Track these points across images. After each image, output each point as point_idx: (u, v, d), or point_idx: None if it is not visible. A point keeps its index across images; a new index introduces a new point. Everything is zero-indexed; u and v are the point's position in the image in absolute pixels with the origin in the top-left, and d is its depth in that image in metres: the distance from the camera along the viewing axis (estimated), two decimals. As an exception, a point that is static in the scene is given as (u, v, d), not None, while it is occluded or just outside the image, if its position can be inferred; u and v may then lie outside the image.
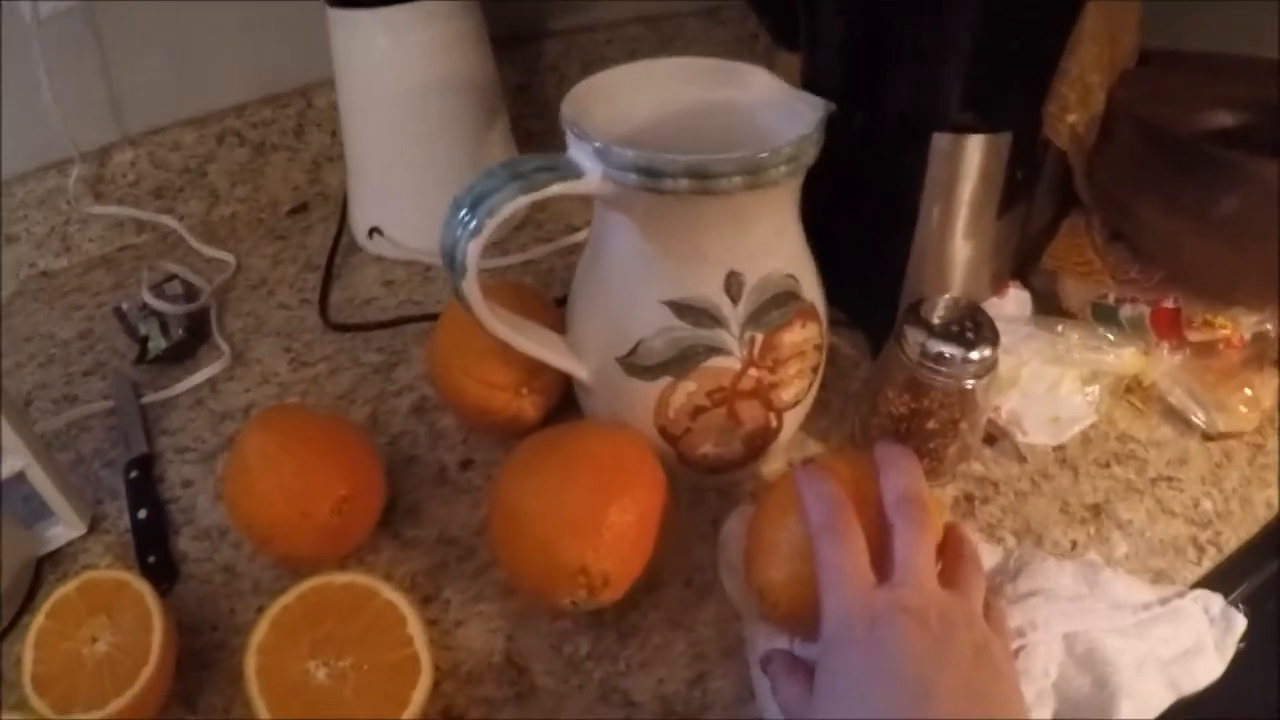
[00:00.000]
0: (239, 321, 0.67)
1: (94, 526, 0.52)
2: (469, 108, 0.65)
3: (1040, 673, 0.40)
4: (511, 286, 0.54)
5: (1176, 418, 0.53)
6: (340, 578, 0.44)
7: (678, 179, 0.38)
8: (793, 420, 0.48)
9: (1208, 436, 0.51)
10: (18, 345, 0.68)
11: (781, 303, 0.44)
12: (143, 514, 0.52)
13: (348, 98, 0.66)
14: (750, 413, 0.45)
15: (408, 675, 0.41)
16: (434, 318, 0.62)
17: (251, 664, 0.41)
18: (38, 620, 0.42)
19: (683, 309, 0.43)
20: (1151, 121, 0.49)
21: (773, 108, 0.45)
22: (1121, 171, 0.50)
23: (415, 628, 0.42)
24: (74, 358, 0.66)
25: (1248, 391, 0.49)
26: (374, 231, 0.68)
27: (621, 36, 0.84)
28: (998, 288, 0.54)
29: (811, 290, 0.46)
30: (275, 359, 0.63)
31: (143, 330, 0.65)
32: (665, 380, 0.44)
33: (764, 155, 0.38)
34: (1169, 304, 0.50)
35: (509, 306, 0.46)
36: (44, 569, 0.50)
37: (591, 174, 0.40)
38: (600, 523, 0.41)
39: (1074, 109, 0.49)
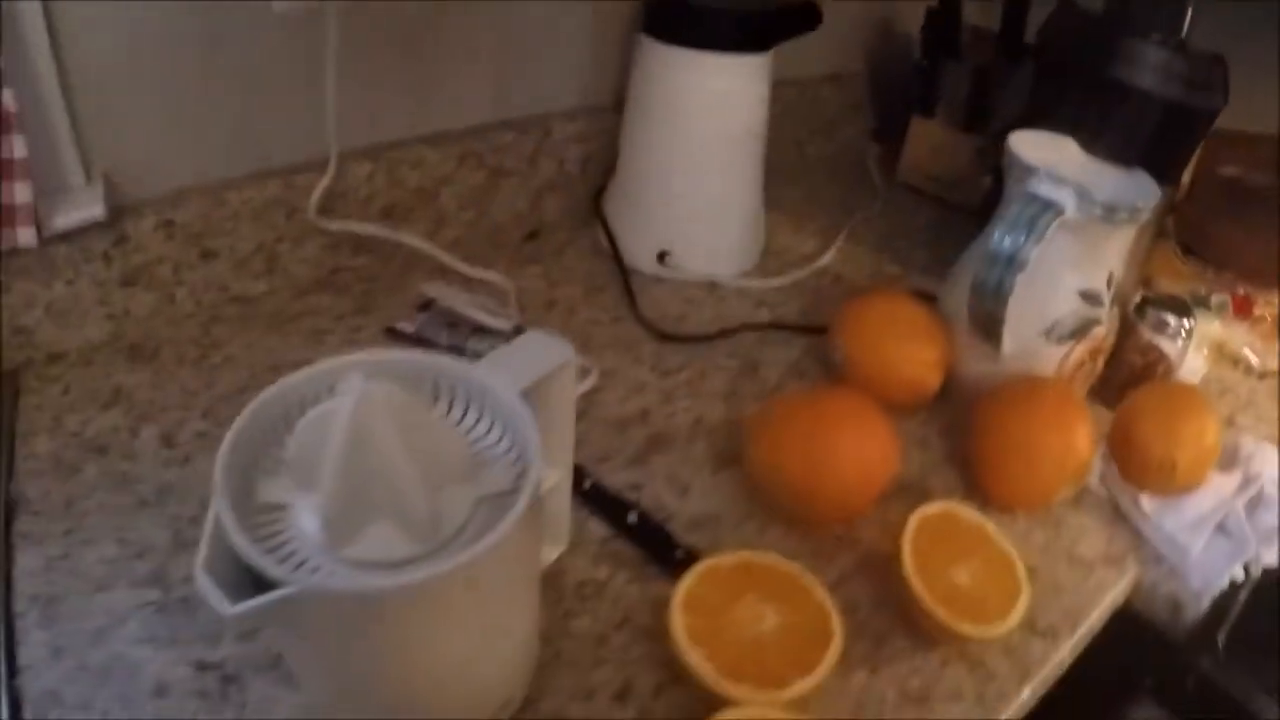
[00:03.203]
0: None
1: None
2: (757, 153, 0.93)
3: None
4: (897, 294, 0.85)
5: (1237, 364, 1.00)
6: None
7: (1120, 212, 0.74)
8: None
9: (1257, 374, 0.99)
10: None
11: (1121, 293, 0.82)
12: (633, 518, 0.68)
13: (652, 130, 0.90)
14: (1098, 360, 0.83)
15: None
16: (775, 326, 0.90)
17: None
18: (685, 584, 0.58)
19: (1088, 296, 0.78)
20: (1229, 177, 0.96)
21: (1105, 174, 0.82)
22: (1207, 208, 0.97)
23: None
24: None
25: None
26: (664, 255, 0.93)
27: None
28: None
29: (1115, 286, 0.84)
30: (633, 369, 0.84)
31: (471, 350, 0.83)
32: (1070, 344, 0.79)
33: (1155, 205, 0.76)
34: (1242, 293, 0.98)
35: (902, 310, 0.79)
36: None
37: (1071, 212, 0.74)
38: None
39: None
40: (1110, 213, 0.74)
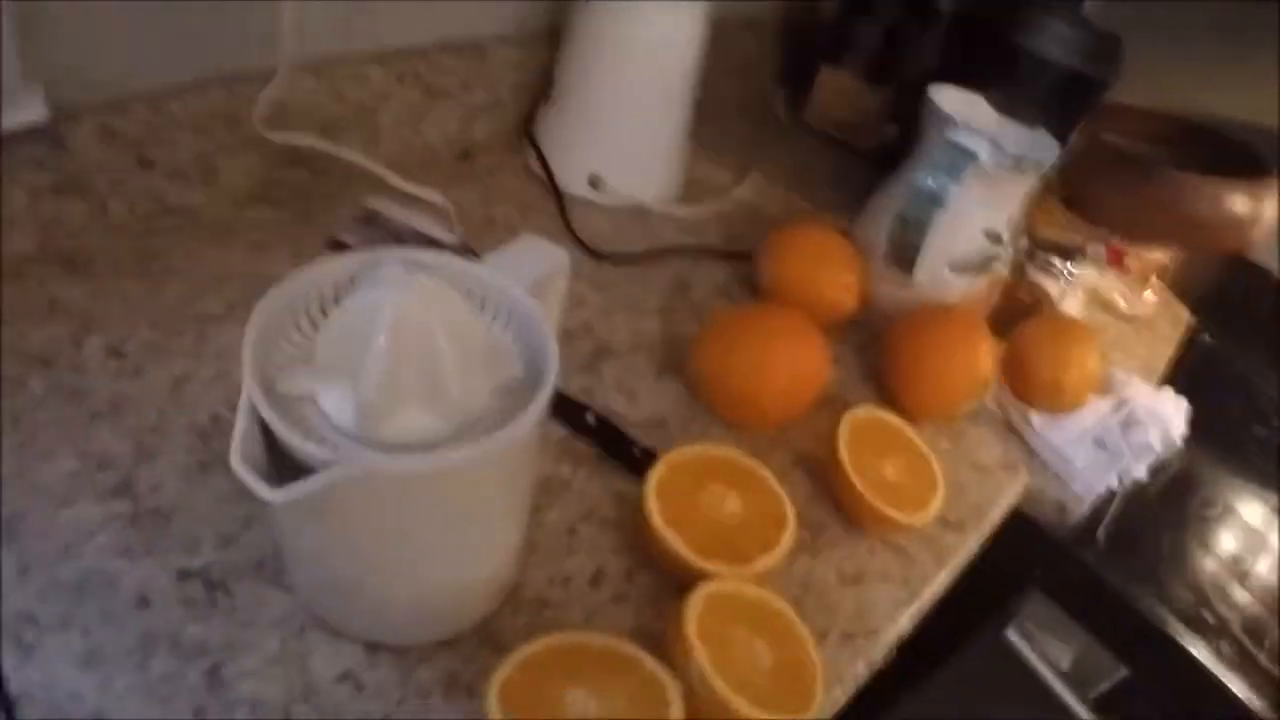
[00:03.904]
0: (502, 256, 0.93)
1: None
2: (688, 87, 1.01)
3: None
4: (819, 225, 0.94)
5: (1108, 307, 1.15)
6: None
7: (1027, 164, 0.86)
8: (997, 303, 0.99)
9: (1125, 317, 1.14)
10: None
11: (1016, 237, 0.94)
12: (591, 418, 0.76)
13: (590, 60, 0.97)
14: (995, 294, 0.95)
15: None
16: (702, 250, 0.99)
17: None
18: (657, 472, 0.67)
19: (991, 235, 0.90)
20: (1111, 144, 1.10)
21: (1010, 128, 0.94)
22: (1090, 169, 1.10)
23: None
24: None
25: (1149, 293, 1.13)
26: (595, 180, 1.00)
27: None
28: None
29: (1015, 227, 0.96)
30: (574, 284, 0.88)
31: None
32: (973, 277, 0.91)
33: (1054, 160, 0.88)
34: (1116, 245, 1.12)
35: (823, 240, 0.90)
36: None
37: (985, 160, 0.85)
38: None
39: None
40: (1018, 163, 0.85)
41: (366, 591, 0.57)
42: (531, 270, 0.59)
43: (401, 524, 0.52)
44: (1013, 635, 0.87)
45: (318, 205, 0.92)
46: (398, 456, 0.48)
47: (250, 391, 0.47)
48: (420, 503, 0.51)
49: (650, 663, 0.56)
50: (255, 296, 0.65)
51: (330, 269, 0.55)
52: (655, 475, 0.67)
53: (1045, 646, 0.87)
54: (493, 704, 0.52)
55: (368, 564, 0.55)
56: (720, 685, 0.55)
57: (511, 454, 0.53)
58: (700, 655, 0.56)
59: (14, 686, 0.52)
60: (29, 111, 0.73)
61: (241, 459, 0.45)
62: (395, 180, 0.94)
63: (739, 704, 0.55)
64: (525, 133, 1.07)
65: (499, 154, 1.06)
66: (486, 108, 1.06)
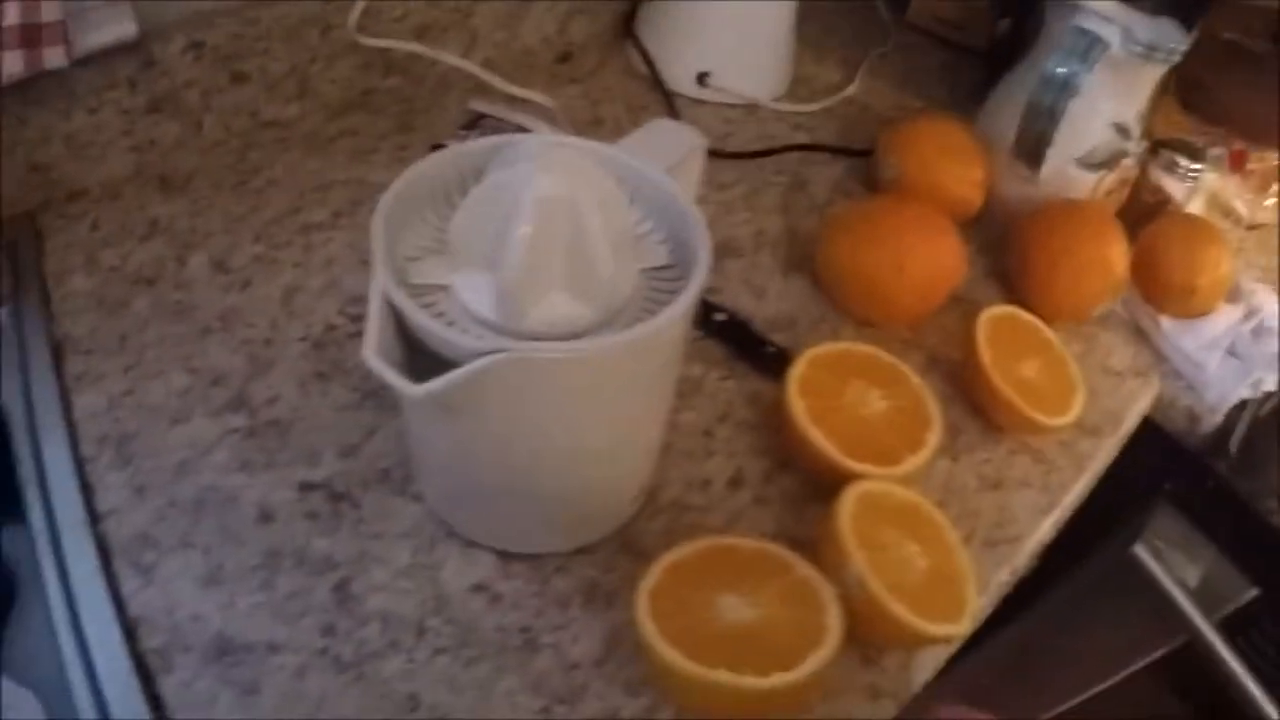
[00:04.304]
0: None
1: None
2: None
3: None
4: (943, 119, 0.89)
5: (1228, 214, 1.08)
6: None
7: (1160, 53, 0.80)
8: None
9: (1245, 224, 1.08)
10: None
11: (1142, 133, 0.88)
12: (721, 317, 0.73)
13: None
14: (1123, 191, 0.89)
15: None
16: (817, 147, 0.94)
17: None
18: (798, 369, 0.63)
19: (1119, 128, 0.84)
20: (1232, 41, 1.02)
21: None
22: (1208, 66, 1.03)
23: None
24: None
25: (1270, 201, 1.07)
26: (704, 77, 0.95)
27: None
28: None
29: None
30: None
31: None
32: (1102, 173, 0.85)
33: (1185, 50, 0.81)
34: (1239, 147, 1.05)
35: (948, 133, 0.84)
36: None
37: (1114, 47, 0.79)
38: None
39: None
40: (1150, 52, 0.79)
41: (501, 496, 0.55)
42: (666, 153, 0.56)
43: (544, 418, 0.49)
44: (1141, 550, 0.83)
45: (417, 112, 0.90)
46: (555, 344, 0.45)
47: (384, 283, 0.44)
48: (565, 393, 0.48)
49: (803, 566, 0.54)
50: (359, 204, 0.63)
51: (457, 156, 0.52)
52: (796, 373, 0.64)
53: (1173, 562, 0.83)
54: (642, 611, 0.50)
55: (505, 464, 0.52)
56: (879, 589, 0.52)
57: (664, 341, 0.50)
58: (858, 558, 0.53)
59: (133, 610, 0.51)
60: (117, 30, 0.71)
61: (377, 354, 0.43)
62: (497, 83, 0.91)
63: (899, 610, 0.52)
64: (627, 31, 1.02)
65: (599, 54, 1.02)
66: (583, 9, 1.01)
